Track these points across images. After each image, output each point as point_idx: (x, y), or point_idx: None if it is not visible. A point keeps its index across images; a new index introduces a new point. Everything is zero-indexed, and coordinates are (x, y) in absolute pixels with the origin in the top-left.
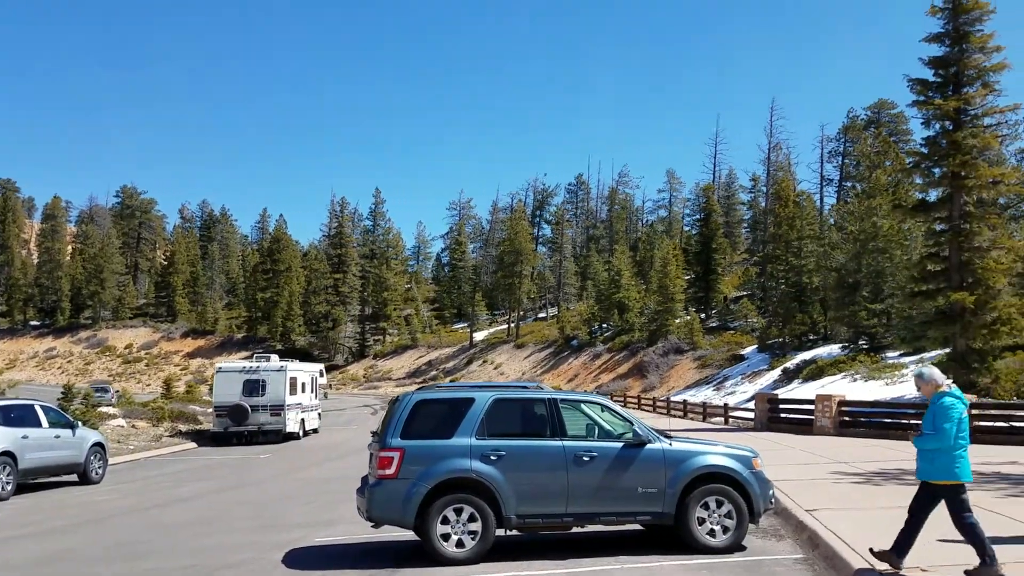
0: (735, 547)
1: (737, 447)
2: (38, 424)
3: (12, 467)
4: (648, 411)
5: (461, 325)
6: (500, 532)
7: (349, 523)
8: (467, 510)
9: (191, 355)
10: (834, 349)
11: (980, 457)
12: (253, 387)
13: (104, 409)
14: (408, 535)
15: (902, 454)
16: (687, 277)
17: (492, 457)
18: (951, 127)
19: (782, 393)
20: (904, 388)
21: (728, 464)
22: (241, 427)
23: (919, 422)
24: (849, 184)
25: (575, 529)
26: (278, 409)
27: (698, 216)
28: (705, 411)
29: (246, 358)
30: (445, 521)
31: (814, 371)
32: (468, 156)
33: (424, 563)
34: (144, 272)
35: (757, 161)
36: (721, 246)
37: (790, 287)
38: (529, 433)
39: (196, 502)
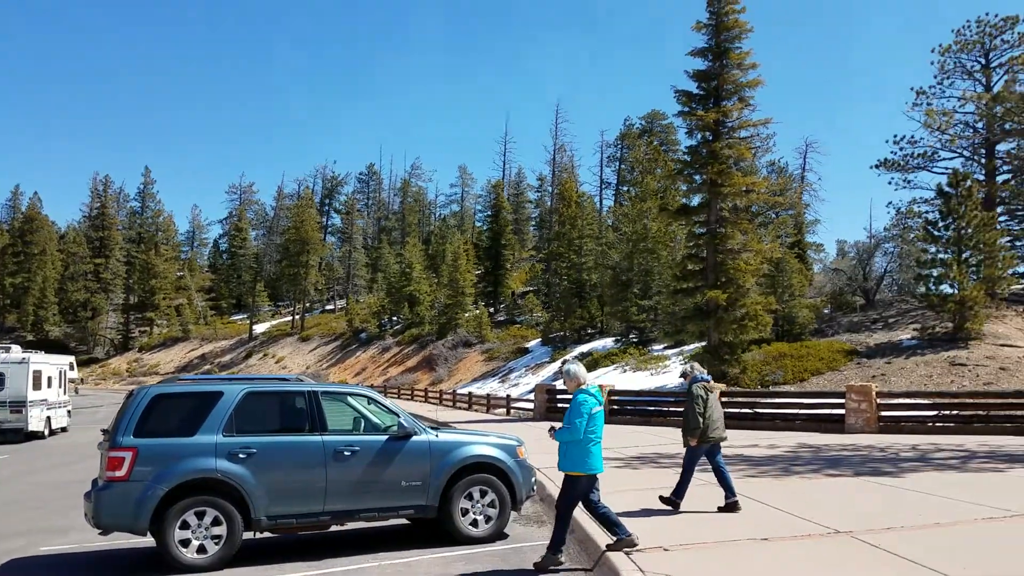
0: (497, 536)
1: (504, 436)
2: None
3: None
4: (435, 404)
5: (240, 316)
6: (250, 535)
7: (83, 530)
8: (210, 513)
9: None
10: (608, 342)
11: (728, 441)
12: None
13: None
14: (148, 541)
15: (661, 439)
16: (477, 272)
17: (240, 455)
18: (711, 138)
19: (561, 384)
20: (667, 378)
21: (492, 454)
22: None
23: (679, 409)
24: (625, 188)
25: (334, 528)
26: (19, 406)
27: (488, 213)
28: (489, 403)
29: None
30: (185, 526)
31: (590, 363)
32: (251, 138)
33: (162, 571)
34: None
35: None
36: (510, 242)
37: (572, 283)
38: (286, 428)
39: None
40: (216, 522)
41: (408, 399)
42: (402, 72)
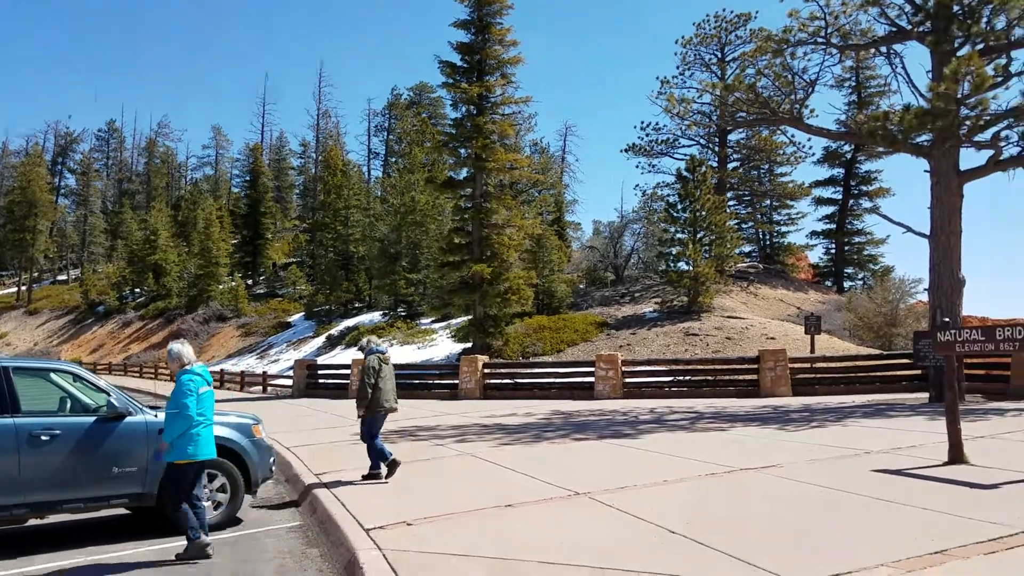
0: (228, 522)
1: (239, 415)
2: None
3: None
4: None
5: None
6: None
7: None
8: None
9: None
10: (376, 316)
11: (486, 411)
12: None
13: None
14: None
15: (421, 411)
16: (234, 241)
17: None
18: (475, 112)
19: (325, 359)
20: (434, 351)
21: (222, 434)
22: None
23: (445, 382)
24: (394, 159)
25: (35, 521)
26: None
27: (246, 178)
28: (243, 380)
29: None
30: None
31: (356, 337)
32: None
33: None
34: None
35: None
36: (271, 210)
37: (338, 255)
38: None
39: None
40: None
41: (152, 378)
42: (149, 21)
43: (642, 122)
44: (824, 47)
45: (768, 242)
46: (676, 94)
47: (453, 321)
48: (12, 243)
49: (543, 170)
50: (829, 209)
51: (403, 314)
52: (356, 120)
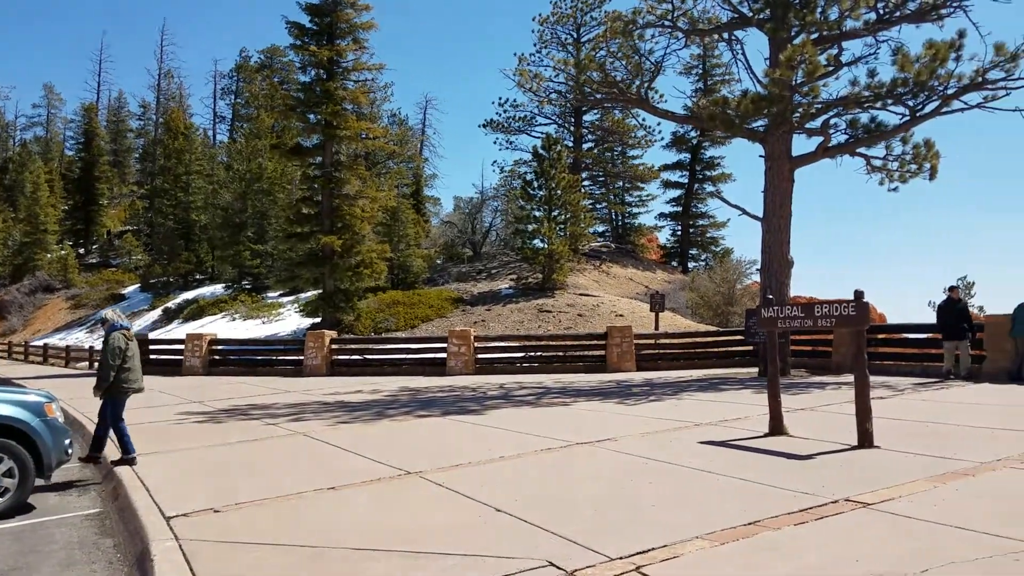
0: (17, 509)
1: (30, 392)
2: None
3: None
4: (3, 358)
5: None
6: None
7: None
8: None
9: None
10: (218, 289)
11: (331, 389)
12: None
13: None
14: None
15: (259, 390)
16: (65, 207)
17: None
18: (325, 76)
19: (162, 334)
20: (280, 326)
21: (7, 413)
22: None
23: (290, 358)
24: (241, 124)
25: None
26: None
27: (80, 140)
28: (68, 356)
29: None
30: None
31: (196, 311)
32: None
33: None
34: None
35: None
36: (106, 175)
37: (178, 224)
38: None
39: None
40: None
41: None
42: None
43: (500, 98)
44: (671, 31)
45: (620, 223)
46: (530, 71)
47: (302, 295)
48: None
49: (401, 142)
50: (676, 192)
51: (248, 287)
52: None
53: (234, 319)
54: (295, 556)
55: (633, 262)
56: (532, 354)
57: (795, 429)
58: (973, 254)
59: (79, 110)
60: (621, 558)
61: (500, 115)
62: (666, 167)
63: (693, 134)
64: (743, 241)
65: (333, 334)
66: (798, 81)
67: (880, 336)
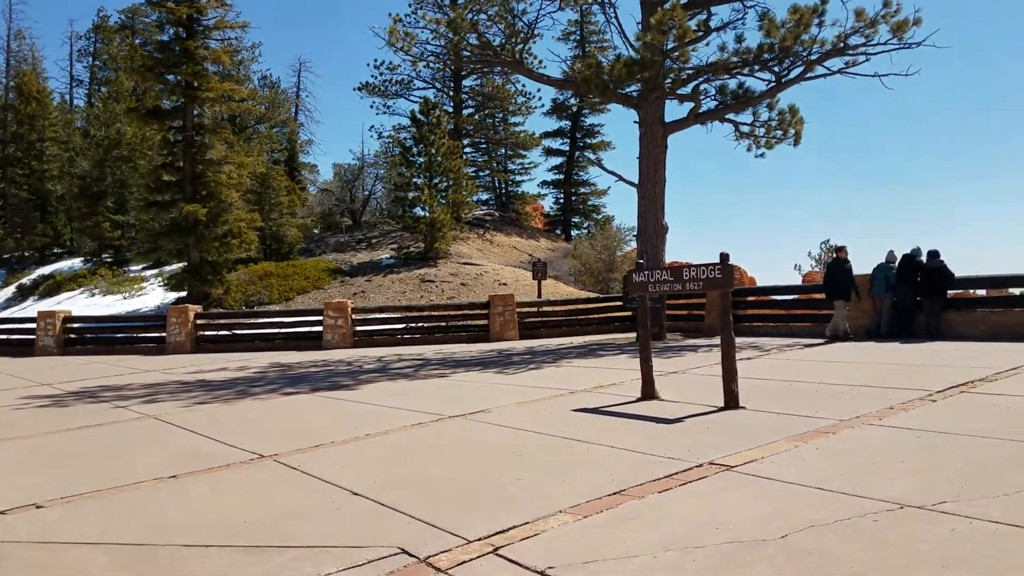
0: None
1: None
2: None
3: None
4: None
5: None
6: None
7: None
8: None
9: None
10: (77, 263)
11: (194, 366)
12: None
13: None
14: None
15: (116, 369)
16: None
17: None
18: (184, 35)
19: (16, 312)
20: (143, 301)
21: None
22: None
23: (151, 335)
24: (100, 88)
25: None
26: None
27: None
28: None
29: None
30: None
31: (53, 286)
32: None
33: None
34: None
35: None
36: None
37: (32, 194)
38: None
39: None
40: None
41: None
42: None
43: (376, 60)
44: None
45: (504, 190)
46: (401, 30)
47: (167, 268)
48: None
49: (272, 105)
50: (558, 160)
51: (109, 260)
52: (57, 43)
53: (94, 295)
54: (119, 557)
55: (517, 230)
56: (414, 325)
57: (666, 392)
58: (836, 218)
59: None
60: (480, 539)
61: (376, 78)
62: (547, 134)
63: (573, 101)
64: (624, 209)
65: (198, 308)
66: (669, 46)
67: (749, 299)
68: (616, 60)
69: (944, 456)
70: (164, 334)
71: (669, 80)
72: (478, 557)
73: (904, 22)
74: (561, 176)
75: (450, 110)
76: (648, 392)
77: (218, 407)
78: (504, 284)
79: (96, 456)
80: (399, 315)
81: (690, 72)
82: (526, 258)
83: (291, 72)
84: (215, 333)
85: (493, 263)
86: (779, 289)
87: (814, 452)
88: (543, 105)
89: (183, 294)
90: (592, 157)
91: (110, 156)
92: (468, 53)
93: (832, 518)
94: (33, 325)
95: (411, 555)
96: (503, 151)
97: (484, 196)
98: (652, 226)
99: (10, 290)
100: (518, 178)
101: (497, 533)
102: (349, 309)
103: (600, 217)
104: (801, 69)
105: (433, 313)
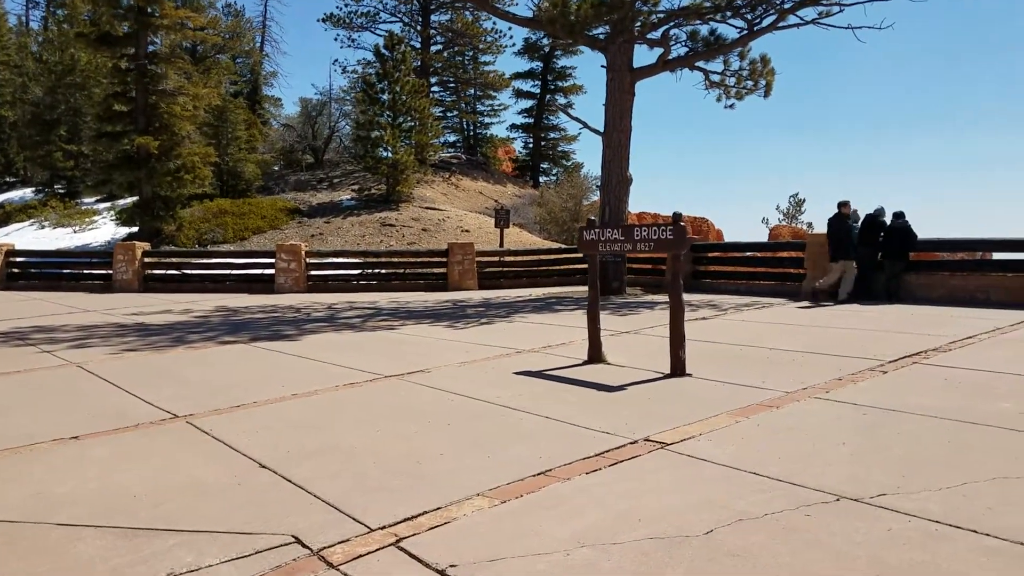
0: None
1: None
2: None
3: None
4: None
5: None
6: None
7: None
8: None
9: None
10: (28, 193)
11: (137, 307)
12: None
13: None
14: None
15: (56, 307)
16: None
17: None
18: None
19: None
20: (94, 235)
21: None
22: None
23: (98, 272)
24: (56, 11)
25: None
26: None
27: None
28: None
29: None
30: None
31: (1, 217)
32: None
33: None
34: None
35: None
36: None
37: None
38: None
39: None
40: None
41: None
42: None
43: None
44: None
45: (472, 133)
46: None
47: (119, 202)
48: None
49: (235, 35)
50: (528, 103)
51: (61, 192)
52: None
53: (43, 227)
54: None
55: (484, 175)
56: (370, 271)
57: (614, 355)
58: (804, 172)
59: None
60: (383, 527)
61: (341, 8)
62: (518, 75)
63: (546, 42)
64: (594, 157)
65: (146, 246)
66: None
67: (711, 254)
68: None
69: (888, 437)
70: (111, 271)
71: (639, 24)
72: (377, 550)
73: None
74: (531, 120)
75: (417, 46)
76: (594, 355)
77: (147, 356)
78: (467, 231)
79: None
80: (355, 260)
81: (661, 16)
82: (492, 204)
83: (257, 1)
84: (164, 272)
85: (457, 208)
86: (741, 246)
87: (755, 429)
88: (514, 44)
89: (135, 229)
90: (562, 101)
91: (63, 83)
92: None
93: (763, 511)
94: None
95: (305, 546)
96: (472, 91)
97: (451, 138)
98: (616, 177)
99: None
100: (487, 120)
101: (404, 520)
102: (303, 252)
103: (569, 164)
104: (774, 17)
105: (391, 260)
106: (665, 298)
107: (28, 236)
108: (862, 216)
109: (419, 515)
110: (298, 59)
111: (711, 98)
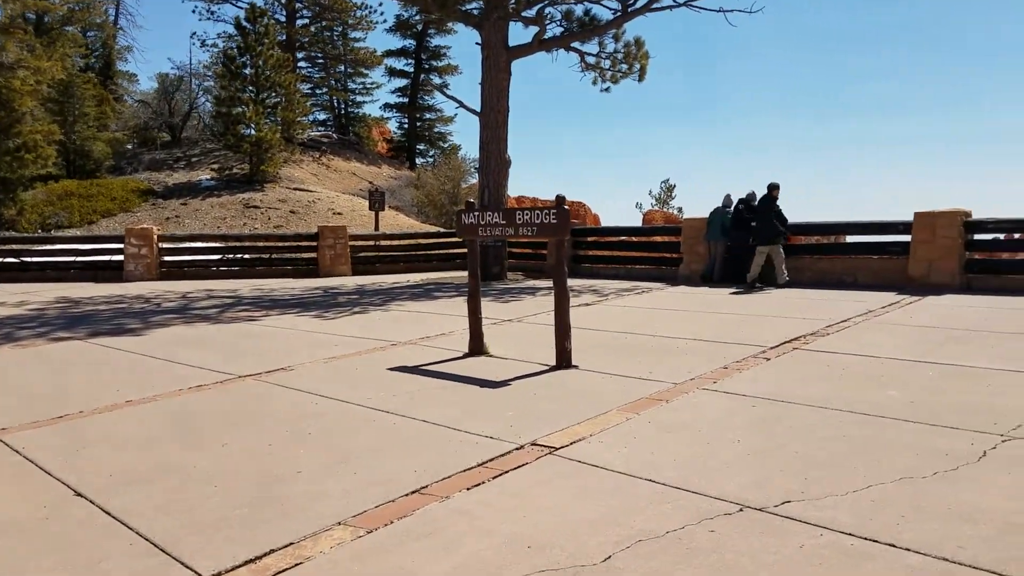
0: None
1: None
2: None
3: None
4: None
5: None
6: None
7: None
8: None
9: None
10: None
11: None
12: None
13: None
14: None
15: None
16: None
17: None
18: None
19: None
20: None
21: None
22: None
23: None
24: None
25: None
26: None
27: None
28: None
29: None
30: None
31: None
32: None
33: None
34: None
35: None
36: None
37: None
38: None
39: None
40: None
41: None
42: None
43: None
44: None
45: (343, 111)
46: None
47: None
48: None
49: (84, 5)
50: (402, 82)
51: None
52: None
53: None
54: None
55: (357, 155)
56: (232, 257)
57: (497, 346)
58: (676, 159)
59: None
60: (223, 573)
61: None
62: (391, 53)
63: (418, 19)
64: (472, 139)
65: None
66: None
67: (590, 239)
68: None
69: (782, 433)
70: None
71: (513, 1)
72: None
73: None
74: (405, 99)
75: (282, 19)
76: (476, 347)
77: None
78: (339, 213)
79: None
80: (216, 244)
81: None
82: (366, 186)
83: None
84: (1, 260)
85: (329, 190)
86: (620, 230)
87: (647, 426)
88: (386, 21)
89: None
90: (437, 81)
91: None
92: None
93: (664, 527)
94: None
95: None
96: (343, 68)
97: (321, 116)
98: (495, 159)
99: None
100: (360, 99)
101: (246, 563)
102: (155, 236)
103: (447, 146)
104: None
105: (255, 244)
106: (547, 284)
107: None
108: (735, 201)
109: (265, 555)
110: (156, 34)
111: (587, 81)
